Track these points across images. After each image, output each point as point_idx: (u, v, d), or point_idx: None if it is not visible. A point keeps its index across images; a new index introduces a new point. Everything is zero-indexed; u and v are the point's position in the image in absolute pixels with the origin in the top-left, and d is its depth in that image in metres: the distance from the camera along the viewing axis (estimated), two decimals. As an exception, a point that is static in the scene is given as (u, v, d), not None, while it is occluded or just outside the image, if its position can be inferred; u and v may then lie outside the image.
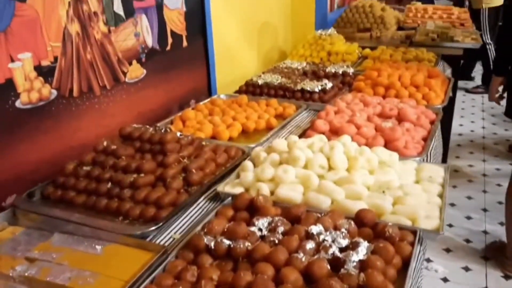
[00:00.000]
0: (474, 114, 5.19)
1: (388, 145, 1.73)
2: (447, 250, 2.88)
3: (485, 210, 3.29)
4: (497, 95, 2.42)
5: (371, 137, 1.76)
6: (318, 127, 1.87)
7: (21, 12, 1.50)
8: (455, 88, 3.37)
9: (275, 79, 2.61)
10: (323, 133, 1.85)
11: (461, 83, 6.07)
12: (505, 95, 2.36)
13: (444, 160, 3.70)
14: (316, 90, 2.41)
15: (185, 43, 2.38)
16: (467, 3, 6.08)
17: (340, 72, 2.74)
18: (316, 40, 3.32)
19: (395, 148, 1.69)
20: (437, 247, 2.89)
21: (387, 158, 1.54)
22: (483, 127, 4.82)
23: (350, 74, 2.73)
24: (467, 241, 2.96)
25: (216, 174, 1.55)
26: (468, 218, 3.21)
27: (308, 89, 2.43)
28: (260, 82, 2.58)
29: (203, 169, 1.52)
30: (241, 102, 2.32)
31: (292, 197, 1.35)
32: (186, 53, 2.40)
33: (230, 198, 1.41)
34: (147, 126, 1.64)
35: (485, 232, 3.05)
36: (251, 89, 2.57)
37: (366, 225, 1.21)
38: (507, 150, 4.21)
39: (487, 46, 5.31)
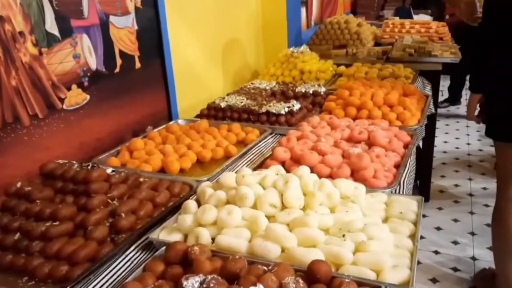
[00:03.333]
0: (458, 130, 5.03)
1: (355, 174, 1.52)
2: (433, 281, 2.66)
3: (472, 233, 3.09)
4: (476, 113, 2.23)
5: (336, 166, 1.55)
6: (278, 155, 1.66)
7: None
8: (436, 104, 3.20)
9: (240, 101, 2.40)
10: (284, 163, 1.65)
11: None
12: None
13: (428, 181, 3.50)
14: (283, 112, 2.21)
15: (138, 65, 2.17)
16: (447, 17, 5.98)
17: (311, 92, 2.54)
18: (288, 58, 3.12)
19: (363, 178, 1.48)
20: (422, 276, 2.67)
21: (351, 192, 1.32)
22: (468, 143, 4.66)
23: (322, 93, 2.53)
24: (455, 269, 2.74)
25: (153, 217, 1.32)
26: (455, 243, 3.00)
27: (274, 111, 2.22)
28: (222, 105, 2.37)
29: (136, 212, 1.29)
30: (200, 128, 2.10)
31: (235, 246, 1.12)
32: (140, 76, 2.19)
33: (164, 248, 1.18)
34: (74, 162, 1.41)
35: (473, 258, 2.83)
36: (213, 113, 2.35)
37: (320, 280, 0.99)
38: (493, 168, 4.02)
39: None
